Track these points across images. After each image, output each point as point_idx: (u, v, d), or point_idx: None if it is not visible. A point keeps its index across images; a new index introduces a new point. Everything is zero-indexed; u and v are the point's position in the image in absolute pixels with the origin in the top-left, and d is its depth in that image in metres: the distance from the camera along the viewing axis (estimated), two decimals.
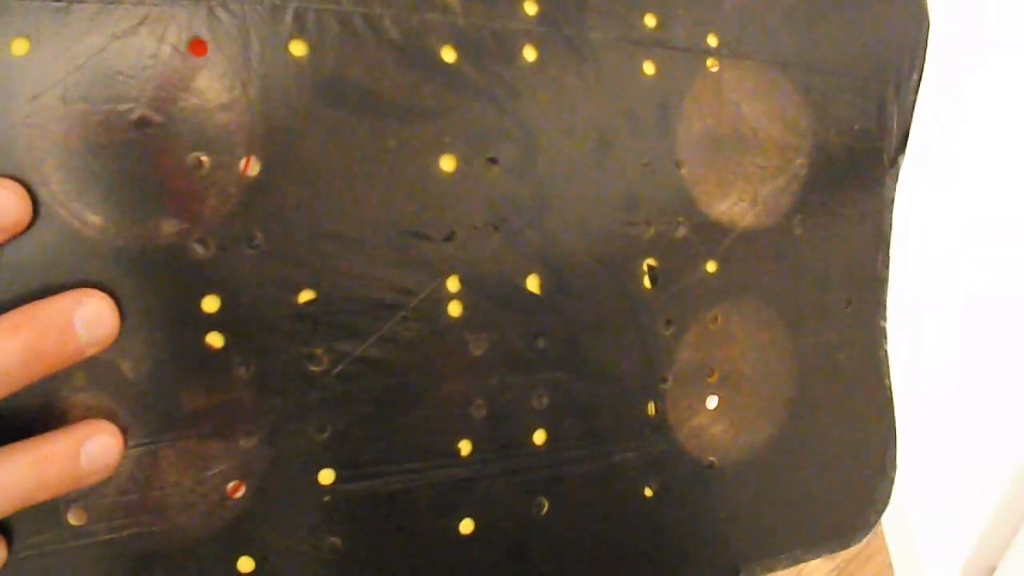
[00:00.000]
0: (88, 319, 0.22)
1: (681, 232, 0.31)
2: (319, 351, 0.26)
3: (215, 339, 0.24)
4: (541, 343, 0.29)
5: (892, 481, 0.39)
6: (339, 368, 0.26)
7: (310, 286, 0.25)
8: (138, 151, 0.23)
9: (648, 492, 0.32)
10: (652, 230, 0.31)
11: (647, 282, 0.31)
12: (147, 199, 0.23)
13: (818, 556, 0.37)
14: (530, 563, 0.30)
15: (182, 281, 0.24)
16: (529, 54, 0.28)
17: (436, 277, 0.27)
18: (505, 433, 0.29)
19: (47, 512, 0.23)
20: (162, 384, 0.24)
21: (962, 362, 0.74)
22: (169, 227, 0.23)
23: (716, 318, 0.33)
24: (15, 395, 0.21)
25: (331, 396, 0.26)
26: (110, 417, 0.23)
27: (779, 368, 0.35)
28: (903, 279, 0.41)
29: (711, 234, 0.32)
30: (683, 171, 0.31)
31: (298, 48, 0.24)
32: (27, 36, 0.21)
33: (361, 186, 0.26)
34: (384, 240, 0.26)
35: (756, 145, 0.33)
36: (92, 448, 0.22)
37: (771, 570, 0.35)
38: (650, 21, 0.30)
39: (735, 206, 0.33)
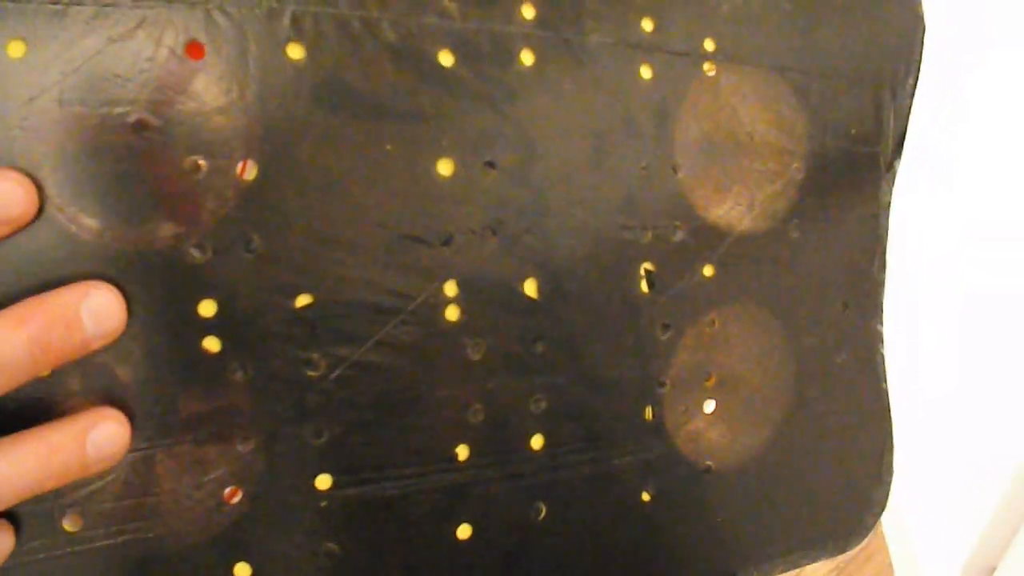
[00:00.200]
0: (95, 311, 0.22)
1: (678, 236, 0.31)
2: (316, 356, 0.25)
3: (212, 343, 0.24)
4: (539, 347, 0.29)
5: (889, 485, 0.39)
6: (336, 373, 0.26)
7: (307, 290, 0.25)
8: (135, 154, 0.23)
9: (646, 496, 0.32)
10: (649, 234, 0.31)
11: (644, 286, 0.31)
12: (144, 203, 0.23)
13: (815, 560, 0.37)
14: (528, 568, 0.30)
15: (179, 285, 0.24)
16: (527, 58, 0.28)
17: (433, 281, 0.27)
18: (503, 438, 0.29)
19: (43, 518, 0.23)
20: (158, 389, 0.24)
21: (962, 362, 0.75)
22: (166, 231, 0.23)
23: (713, 322, 0.33)
24: (15, 395, 0.21)
25: (328, 401, 0.26)
26: None
27: (776, 372, 0.35)
28: (903, 280, 0.41)
29: (708, 238, 0.32)
30: (680, 175, 0.31)
31: (295, 51, 0.24)
32: (23, 39, 0.21)
33: (358, 190, 0.26)
34: (381, 244, 0.26)
35: (753, 149, 0.33)
36: (98, 436, 0.22)
37: (768, 574, 0.35)
38: (647, 25, 0.30)
39: (732, 210, 0.33)
